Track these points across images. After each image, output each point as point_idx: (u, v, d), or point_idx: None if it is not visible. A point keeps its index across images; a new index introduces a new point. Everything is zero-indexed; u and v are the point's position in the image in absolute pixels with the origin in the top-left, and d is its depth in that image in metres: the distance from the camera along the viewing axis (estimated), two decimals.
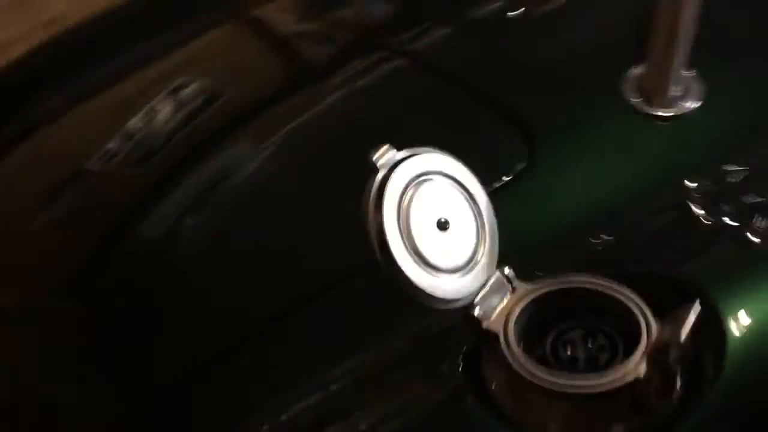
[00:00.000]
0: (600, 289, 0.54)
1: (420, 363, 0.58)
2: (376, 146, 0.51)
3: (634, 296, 0.53)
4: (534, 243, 0.64)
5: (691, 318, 0.47)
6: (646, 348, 0.49)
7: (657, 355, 0.48)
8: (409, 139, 0.71)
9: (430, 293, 0.50)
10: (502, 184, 0.68)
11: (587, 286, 0.54)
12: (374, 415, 0.56)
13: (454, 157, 0.54)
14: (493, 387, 0.53)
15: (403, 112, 0.79)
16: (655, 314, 0.51)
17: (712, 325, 0.50)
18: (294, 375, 0.60)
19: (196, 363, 0.67)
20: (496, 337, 0.53)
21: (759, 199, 0.65)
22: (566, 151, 0.71)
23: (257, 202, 0.79)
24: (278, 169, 0.81)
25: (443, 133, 0.72)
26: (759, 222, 0.63)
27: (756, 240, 0.61)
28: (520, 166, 0.70)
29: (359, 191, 0.71)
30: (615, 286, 0.53)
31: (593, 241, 0.64)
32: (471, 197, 0.54)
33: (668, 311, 0.51)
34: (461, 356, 0.55)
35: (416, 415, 0.55)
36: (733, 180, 0.66)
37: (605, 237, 0.64)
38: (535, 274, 0.56)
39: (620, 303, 0.53)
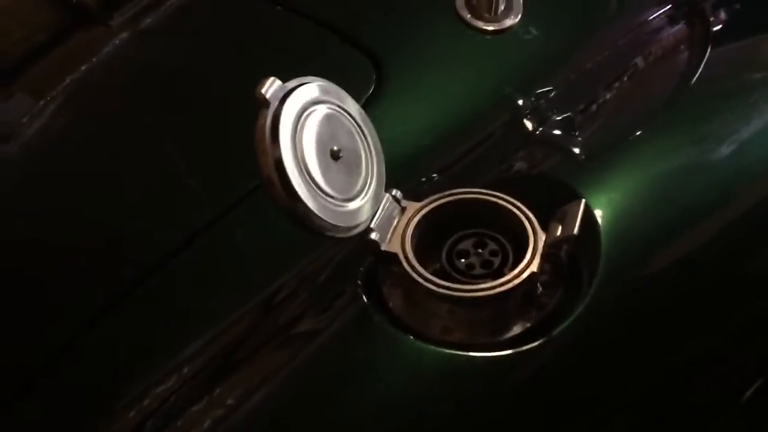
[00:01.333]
0: (482, 198, 0.57)
1: (318, 292, 0.58)
2: (261, 80, 0.49)
3: (513, 200, 0.56)
4: (394, 164, 0.65)
5: (580, 213, 0.52)
6: (535, 245, 0.53)
7: (551, 250, 0.53)
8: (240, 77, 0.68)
9: (333, 223, 0.51)
10: None
11: (469, 196, 0.57)
12: (282, 349, 0.56)
13: (335, 85, 0.54)
14: (395, 304, 0.55)
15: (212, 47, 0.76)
16: (536, 214, 0.56)
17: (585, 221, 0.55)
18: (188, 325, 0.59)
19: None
20: (395, 257, 0.54)
21: (570, 114, 0.71)
22: (410, 73, 0.73)
23: (54, 160, 0.73)
24: (69, 121, 0.75)
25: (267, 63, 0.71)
26: (577, 133, 0.69)
27: (576, 150, 0.67)
28: (369, 91, 0.71)
29: (165, 137, 0.68)
30: (494, 194, 0.57)
31: (447, 157, 0.67)
32: (356, 124, 0.54)
33: (546, 210, 0.56)
34: (359, 280, 0.56)
35: (325, 342, 0.55)
36: (552, 96, 0.72)
37: (456, 153, 0.67)
38: (420, 193, 0.58)
39: (502, 208, 0.56)
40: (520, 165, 0.66)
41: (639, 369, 0.56)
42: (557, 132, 0.69)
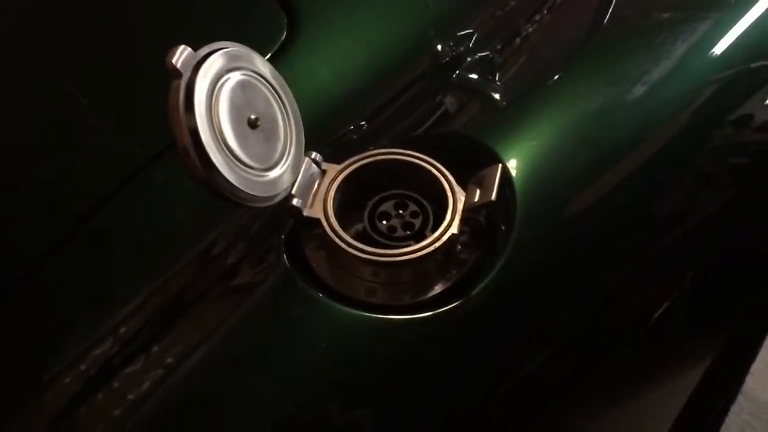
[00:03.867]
0: (400, 159, 0.57)
1: (241, 257, 0.58)
2: (171, 49, 0.47)
3: (431, 160, 0.57)
4: (307, 120, 0.62)
5: (498, 178, 0.53)
6: (454, 206, 0.54)
7: (470, 215, 0.53)
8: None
9: (252, 193, 0.50)
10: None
11: (388, 158, 0.57)
12: (208, 315, 0.56)
13: (250, 49, 0.52)
14: (319, 267, 0.56)
15: None
16: (455, 174, 0.56)
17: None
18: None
19: None
20: (317, 222, 0.54)
21: (488, 53, 0.71)
22: (323, 19, 0.71)
23: None
24: None
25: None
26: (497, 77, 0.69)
27: (497, 96, 0.67)
28: (280, 39, 0.68)
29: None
30: (412, 153, 0.57)
31: (365, 110, 0.66)
32: (272, 89, 0.53)
33: (465, 167, 0.56)
34: (281, 245, 0.56)
35: (248, 309, 0.55)
36: (473, 40, 0.71)
37: (373, 109, 0.66)
38: (338, 150, 0.58)
39: (420, 169, 0.56)
40: (440, 116, 0.66)
41: (556, 315, 0.58)
42: (475, 76, 0.69)
